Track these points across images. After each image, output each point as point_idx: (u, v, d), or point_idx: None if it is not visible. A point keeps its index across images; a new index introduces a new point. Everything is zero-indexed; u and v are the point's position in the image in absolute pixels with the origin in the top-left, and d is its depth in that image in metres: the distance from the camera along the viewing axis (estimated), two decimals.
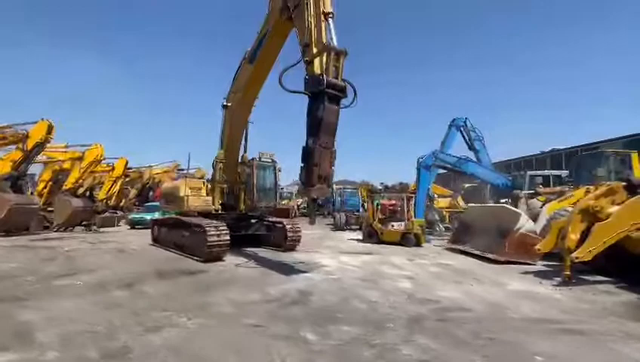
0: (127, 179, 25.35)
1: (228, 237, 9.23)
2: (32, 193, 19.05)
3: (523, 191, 13.31)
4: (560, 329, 4.34)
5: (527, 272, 7.89)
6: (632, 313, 5.08)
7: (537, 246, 7.83)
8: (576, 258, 6.51)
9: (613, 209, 6.86)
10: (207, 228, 8.96)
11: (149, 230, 13.40)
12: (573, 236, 6.87)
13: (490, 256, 9.31)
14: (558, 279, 6.95)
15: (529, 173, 16.06)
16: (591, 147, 24.31)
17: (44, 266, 8.23)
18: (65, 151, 19.96)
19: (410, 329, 4.27)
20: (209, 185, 11.54)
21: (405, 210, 13.42)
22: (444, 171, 16.17)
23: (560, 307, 5.33)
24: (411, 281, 7.04)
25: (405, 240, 12.64)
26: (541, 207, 11.50)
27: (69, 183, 18.33)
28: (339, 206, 21.70)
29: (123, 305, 5.17)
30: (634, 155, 12.79)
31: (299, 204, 32.22)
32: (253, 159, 11.58)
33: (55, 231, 16.77)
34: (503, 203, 13.07)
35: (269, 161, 12.11)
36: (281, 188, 19.53)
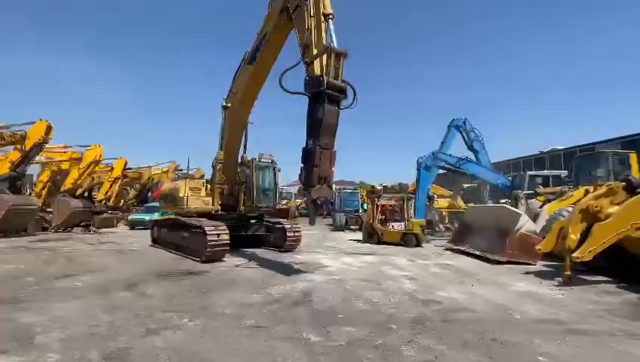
0: (126, 180, 25.33)
1: (228, 238, 9.22)
2: (30, 194, 19.00)
3: (523, 192, 13.33)
4: (563, 330, 4.34)
5: (527, 272, 7.89)
6: (634, 313, 5.09)
7: (538, 247, 7.83)
8: (577, 258, 6.52)
9: (613, 209, 6.87)
10: (207, 229, 8.95)
11: (149, 231, 13.39)
12: (574, 236, 6.87)
13: (490, 256, 9.32)
14: (559, 279, 6.96)
15: (528, 173, 16.11)
16: (589, 147, 24.43)
17: (44, 267, 8.21)
18: (64, 152, 19.93)
19: (413, 330, 4.26)
20: (209, 186, 11.54)
21: (405, 211, 13.44)
22: (444, 172, 16.19)
23: (562, 307, 5.33)
24: (413, 282, 7.04)
25: (405, 240, 12.65)
26: (541, 207, 11.55)
27: (67, 184, 18.32)
28: (338, 206, 21.68)
29: (124, 307, 5.15)
30: (632, 156, 12.83)
31: (298, 204, 32.26)
32: (252, 160, 11.58)
33: (54, 232, 16.73)
34: (503, 203, 13.09)
35: (269, 161, 12.11)
36: (281, 189, 19.48)
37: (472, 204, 16.32)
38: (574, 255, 6.56)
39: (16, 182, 15.67)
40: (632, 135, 23.91)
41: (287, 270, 8.21)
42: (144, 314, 4.81)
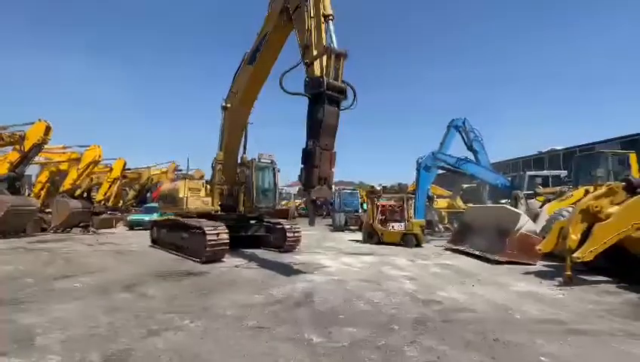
0: (125, 180, 25.26)
1: (227, 237, 9.21)
2: (28, 194, 18.94)
3: (522, 192, 13.35)
4: (565, 330, 4.34)
5: (528, 272, 7.90)
6: (635, 313, 5.09)
7: (538, 247, 7.84)
8: (578, 258, 6.53)
9: (614, 209, 6.88)
10: (207, 229, 8.93)
11: (148, 231, 13.36)
12: (574, 236, 6.88)
13: (490, 256, 9.32)
14: (559, 279, 6.96)
15: (528, 173, 16.13)
16: (589, 147, 24.47)
17: (43, 268, 8.18)
18: (63, 152, 19.87)
19: (415, 331, 4.25)
20: (208, 186, 11.52)
21: (405, 211, 13.44)
22: (443, 172, 16.19)
23: (563, 307, 5.34)
24: (413, 282, 7.03)
25: (405, 240, 12.65)
26: (540, 207, 11.56)
27: (66, 184, 18.27)
28: (338, 207, 21.67)
29: (124, 308, 5.13)
30: (632, 156, 12.86)
31: (297, 204, 32.26)
32: (252, 160, 11.56)
33: (52, 233, 16.69)
34: (504, 203, 13.10)
35: (268, 161, 12.09)
36: (280, 189, 19.46)
37: (471, 204, 16.32)
38: (575, 255, 6.56)
39: (15, 182, 15.61)
40: (631, 135, 23.96)
41: (288, 270, 8.20)
42: (145, 315, 4.79)
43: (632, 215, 6.57)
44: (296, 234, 11.17)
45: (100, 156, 18.80)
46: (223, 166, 11.15)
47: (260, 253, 10.99)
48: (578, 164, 14.20)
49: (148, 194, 27.91)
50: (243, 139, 11.33)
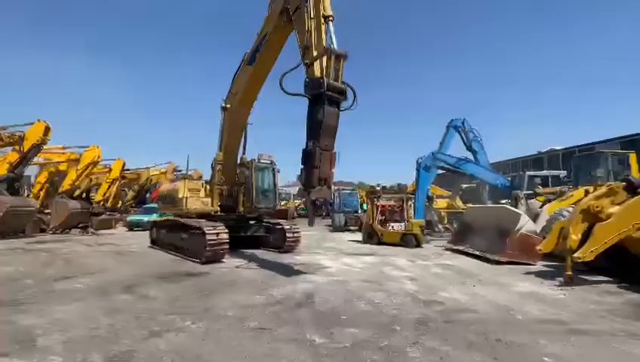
0: (125, 181, 25.24)
1: (227, 237, 9.20)
2: (27, 195, 18.90)
3: (522, 192, 13.36)
4: (566, 330, 4.34)
5: (528, 273, 7.90)
6: (636, 313, 5.09)
7: (538, 247, 7.84)
8: (578, 258, 6.53)
9: (614, 209, 6.89)
10: (206, 229, 8.91)
11: (147, 232, 13.33)
12: (575, 236, 6.88)
13: (490, 256, 9.32)
14: (560, 279, 6.96)
15: (528, 173, 16.14)
16: (588, 147, 24.53)
17: (43, 269, 8.15)
18: (62, 153, 19.83)
19: (417, 331, 4.25)
20: (208, 187, 11.50)
21: (405, 211, 13.44)
22: (443, 172, 16.21)
23: (564, 307, 5.34)
24: (414, 282, 7.03)
25: (405, 241, 12.64)
26: (540, 208, 11.57)
27: (65, 185, 18.23)
28: (338, 207, 21.65)
29: (125, 309, 5.11)
30: (632, 156, 12.89)
31: (297, 205, 32.27)
32: (252, 161, 11.55)
33: (51, 234, 16.65)
34: (504, 203, 13.10)
35: (268, 162, 12.08)
36: (280, 190, 19.45)
37: (470, 205, 16.33)
38: (576, 255, 6.56)
39: (14, 183, 15.59)
40: (631, 135, 24.03)
41: (288, 271, 8.18)
42: (146, 316, 4.77)
43: (632, 215, 6.58)
44: (295, 235, 11.16)
45: (99, 157, 18.77)
46: (222, 166, 11.13)
47: (259, 253, 10.98)
48: (578, 164, 14.23)
49: (147, 195, 27.85)
50: (243, 140, 11.33)
